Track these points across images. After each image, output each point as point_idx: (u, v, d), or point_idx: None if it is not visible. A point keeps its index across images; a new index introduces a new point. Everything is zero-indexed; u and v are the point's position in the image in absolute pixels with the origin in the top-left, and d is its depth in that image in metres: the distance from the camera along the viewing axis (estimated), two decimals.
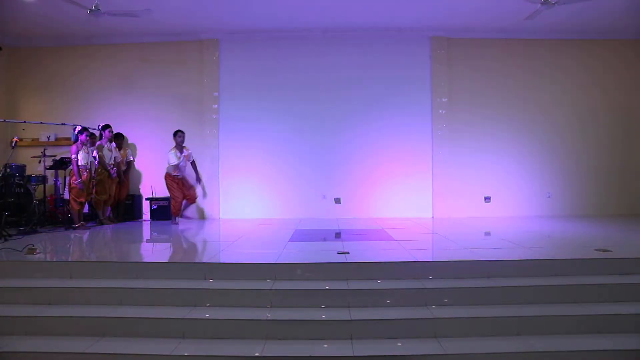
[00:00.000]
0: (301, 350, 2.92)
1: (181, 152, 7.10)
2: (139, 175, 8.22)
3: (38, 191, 6.90)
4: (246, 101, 8.09)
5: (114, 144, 7.41)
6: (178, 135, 7.14)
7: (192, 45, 8.16)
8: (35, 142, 7.98)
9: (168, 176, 7.12)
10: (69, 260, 4.39)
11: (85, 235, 5.94)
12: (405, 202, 7.99)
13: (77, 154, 6.47)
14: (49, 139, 7.94)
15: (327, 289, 3.50)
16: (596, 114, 8.13)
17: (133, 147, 8.19)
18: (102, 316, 3.27)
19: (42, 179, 6.81)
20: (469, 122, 8.03)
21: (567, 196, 8.07)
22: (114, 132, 7.51)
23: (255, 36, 8.05)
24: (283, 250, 4.49)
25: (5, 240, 5.16)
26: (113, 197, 7.44)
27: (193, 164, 7.38)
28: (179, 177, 7.19)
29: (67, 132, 7.85)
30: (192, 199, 7.44)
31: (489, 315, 3.24)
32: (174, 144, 7.20)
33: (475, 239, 4.81)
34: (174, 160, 7.06)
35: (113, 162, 7.26)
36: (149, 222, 7.68)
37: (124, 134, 7.98)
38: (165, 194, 7.97)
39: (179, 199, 7.18)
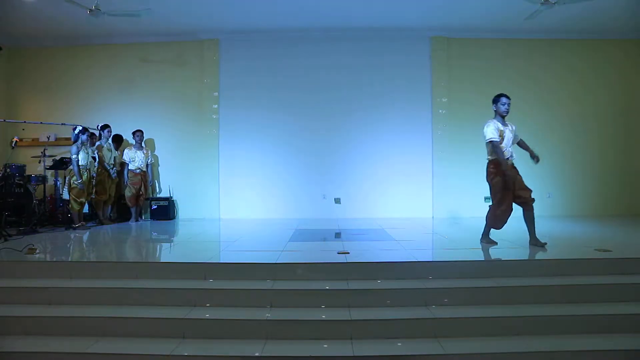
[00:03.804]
0: (301, 350, 2.92)
1: (504, 126, 4.45)
2: None
3: (38, 191, 6.90)
4: (246, 101, 8.09)
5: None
6: (502, 101, 4.38)
7: (192, 45, 8.16)
8: (35, 142, 7.98)
9: (492, 165, 4.43)
10: (69, 260, 4.38)
11: (85, 235, 5.93)
12: (405, 202, 7.99)
13: (77, 154, 6.47)
14: (49, 139, 7.94)
15: (327, 289, 3.50)
16: (596, 113, 8.13)
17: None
18: (102, 316, 3.27)
19: (42, 179, 6.82)
20: (469, 122, 8.01)
21: (567, 196, 8.07)
22: (113, 134, 7.51)
23: (255, 36, 8.04)
24: (283, 250, 4.49)
25: (5, 240, 5.16)
26: (140, 197, 7.51)
27: (521, 143, 4.69)
28: (510, 162, 4.42)
29: (67, 132, 7.84)
30: (527, 202, 4.46)
31: (489, 315, 3.24)
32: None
33: (475, 239, 4.80)
34: (492, 134, 4.32)
35: (113, 162, 7.27)
36: (149, 222, 7.67)
37: (122, 135, 7.94)
38: (164, 193, 7.98)
39: (505, 203, 4.42)
